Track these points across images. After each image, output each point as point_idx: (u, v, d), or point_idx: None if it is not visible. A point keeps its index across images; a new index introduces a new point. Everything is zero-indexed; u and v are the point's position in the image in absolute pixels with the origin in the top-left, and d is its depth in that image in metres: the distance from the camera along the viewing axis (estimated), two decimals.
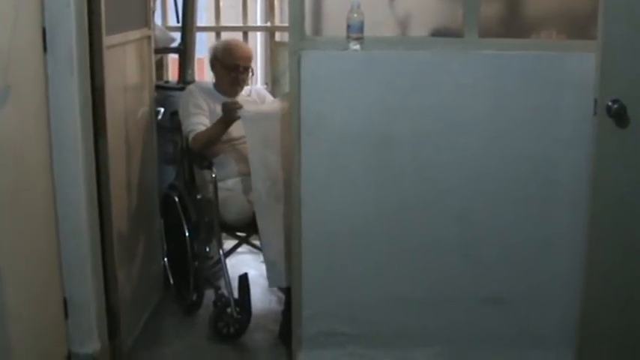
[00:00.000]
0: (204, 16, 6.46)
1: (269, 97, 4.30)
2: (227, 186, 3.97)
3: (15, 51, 2.77)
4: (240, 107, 3.70)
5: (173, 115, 4.22)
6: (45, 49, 3.04)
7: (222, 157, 4.02)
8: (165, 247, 4.37)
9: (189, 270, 3.98)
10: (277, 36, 5.40)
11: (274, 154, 3.56)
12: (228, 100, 3.99)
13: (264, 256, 3.67)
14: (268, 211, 3.60)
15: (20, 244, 2.84)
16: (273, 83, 4.81)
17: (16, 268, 2.79)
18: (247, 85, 4.19)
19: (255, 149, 3.57)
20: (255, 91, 4.32)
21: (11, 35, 2.75)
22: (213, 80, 4.23)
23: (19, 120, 2.83)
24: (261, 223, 3.61)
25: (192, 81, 4.73)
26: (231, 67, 4.09)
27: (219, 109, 3.95)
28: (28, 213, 2.93)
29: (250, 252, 4.70)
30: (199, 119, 3.96)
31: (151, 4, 4.20)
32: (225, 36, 5.40)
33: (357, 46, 3.08)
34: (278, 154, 3.56)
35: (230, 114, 3.78)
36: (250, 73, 4.14)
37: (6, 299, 2.72)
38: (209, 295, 4.06)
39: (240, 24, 5.46)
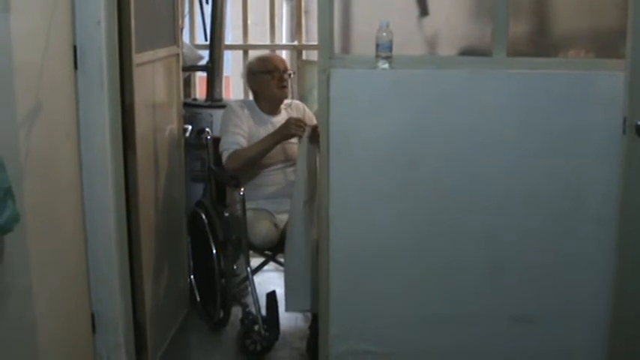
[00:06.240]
0: (230, 35, 6.50)
1: (308, 111, 4.26)
2: (256, 206, 3.99)
3: (46, 68, 2.81)
4: (305, 125, 3.76)
5: (200, 132, 4.25)
6: (76, 66, 3.07)
7: (254, 182, 4.05)
8: (191, 264, 4.38)
9: (216, 287, 3.99)
10: (304, 54, 5.43)
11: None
12: (270, 118, 4.07)
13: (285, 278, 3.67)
14: (299, 228, 3.60)
15: (49, 260, 2.86)
16: (300, 101, 4.83)
17: (45, 283, 2.81)
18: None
19: (303, 167, 3.63)
20: (295, 104, 4.26)
21: (43, 53, 2.79)
22: (253, 98, 4.21)
23: (49, 136, 2.86)
24: (288, 242, 3.64)
25: (220, 99, 4.76)
26: (272, 69, 4.08)
27: (261, 130, 4.00)
28: (57, 229, 2.95)
29: (277, 270, 4.69)
30: (236, 139, 3.95)
31: (180, 22, 4.23)
32: (253, 54, 5.44)
33: (386, 65, 3.08)
34: None
35: (292, 128, 3.81)
36: (290, 77, 4.13)
37: (35, 314, 2.73)
38: (235, 312, 4.06)
39: (267, 42, 5.49)
